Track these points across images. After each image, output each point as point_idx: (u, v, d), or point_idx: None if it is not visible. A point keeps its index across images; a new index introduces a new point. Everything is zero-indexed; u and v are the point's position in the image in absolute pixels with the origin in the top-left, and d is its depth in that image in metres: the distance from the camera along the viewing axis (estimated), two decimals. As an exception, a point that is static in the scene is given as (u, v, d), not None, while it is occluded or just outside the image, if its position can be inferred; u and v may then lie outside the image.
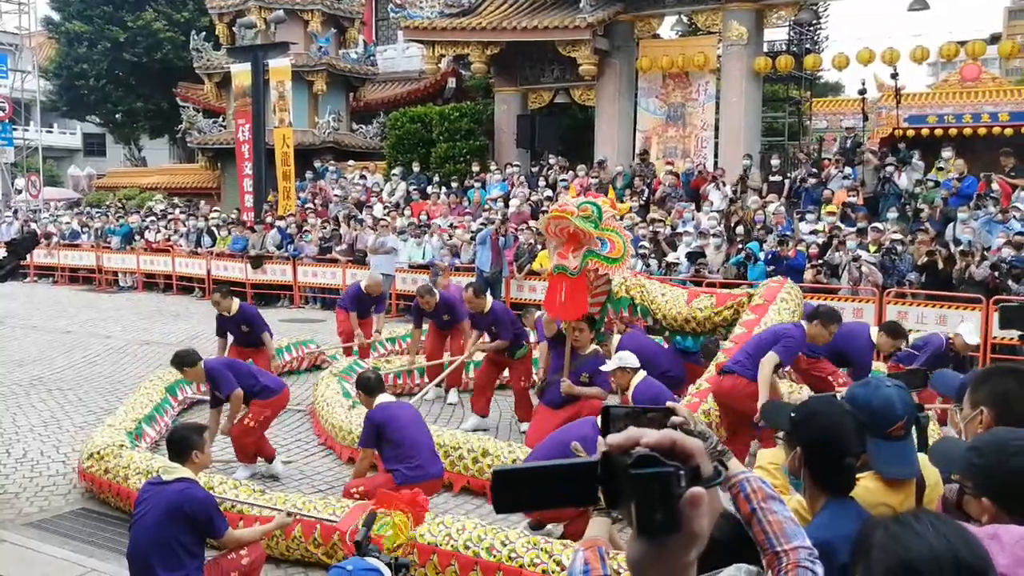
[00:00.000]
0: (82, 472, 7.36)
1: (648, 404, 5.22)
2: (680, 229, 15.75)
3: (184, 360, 7.56)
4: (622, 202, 16.91)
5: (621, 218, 10.20)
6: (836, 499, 2.72)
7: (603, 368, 7.74)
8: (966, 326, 9.25)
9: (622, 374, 7.42)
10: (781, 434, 3.13)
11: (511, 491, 1.05)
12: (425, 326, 11.14)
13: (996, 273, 12.09)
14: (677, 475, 1.00)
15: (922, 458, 3.16)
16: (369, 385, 6.86)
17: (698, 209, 16.93)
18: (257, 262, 19.18)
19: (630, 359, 7.49)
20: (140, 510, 4.94)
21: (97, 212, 26.27)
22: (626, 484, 1.00)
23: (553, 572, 5.21)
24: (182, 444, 5.15)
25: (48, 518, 6.88)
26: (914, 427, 3.81)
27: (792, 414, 2.80)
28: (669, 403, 2.40)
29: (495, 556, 5.41)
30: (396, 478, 6.49)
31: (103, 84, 35.66)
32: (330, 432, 8.64)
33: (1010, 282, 11.95)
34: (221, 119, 28.40)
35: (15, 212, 27.61)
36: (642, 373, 7.46)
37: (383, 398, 6.79)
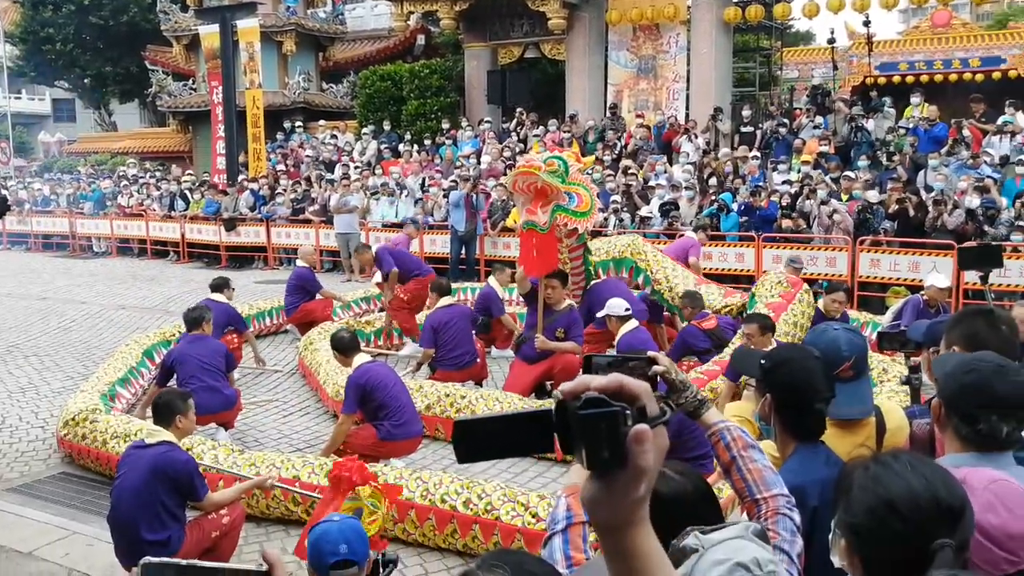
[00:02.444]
0: (60, 439, 7.37)
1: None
2: (653, 182, 15.76)
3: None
4: (596, 156, 16.92)
5: (587, 171, 10.23)
6: (806, 444, 2.77)
7: (598, 315, 7.78)
8: (934, 275, 9.42)
9: (611, 321, 7.47)
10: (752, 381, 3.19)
11: (471, 441, 1.10)
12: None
13: (970, 221, 12.19)
14: (623, 414, 1.05)
15: (886, 403, 3.23)
16: (344, 344, 6.88)
17: (670, 162, 16.95)
18: (230, 225, 19.06)
19: (618, 306, 7.53)
20: (122, 472, 4.96)
21: (69, 178, 25.94)
22: (575, 425, 1.05)
23: (529, 524, 5.29)
24: (166, 409, 5.17)
25: (29, 483, 6.89)
26: (908, 388, 3.85)
27: (762, 361, 2.85)
28: (651, 352, 2.44)
29: (472, 509, 5.49)
30: (379, 432, 6.56)
31: (70, 48, 34.93)
32: (334, 395, 8.27)
33: (986, 227, 12.06)
34: (191, 82, 27.96)
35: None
36: (633, 322, 7.51)
37: (360, 358, 6.82)
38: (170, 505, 4.87)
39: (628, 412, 1.06)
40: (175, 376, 7.65)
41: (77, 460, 7.20)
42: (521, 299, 9.61)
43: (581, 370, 2.34)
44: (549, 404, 1.13)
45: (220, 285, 9.74)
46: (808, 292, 9.37)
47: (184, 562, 1.28)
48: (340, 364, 7.15)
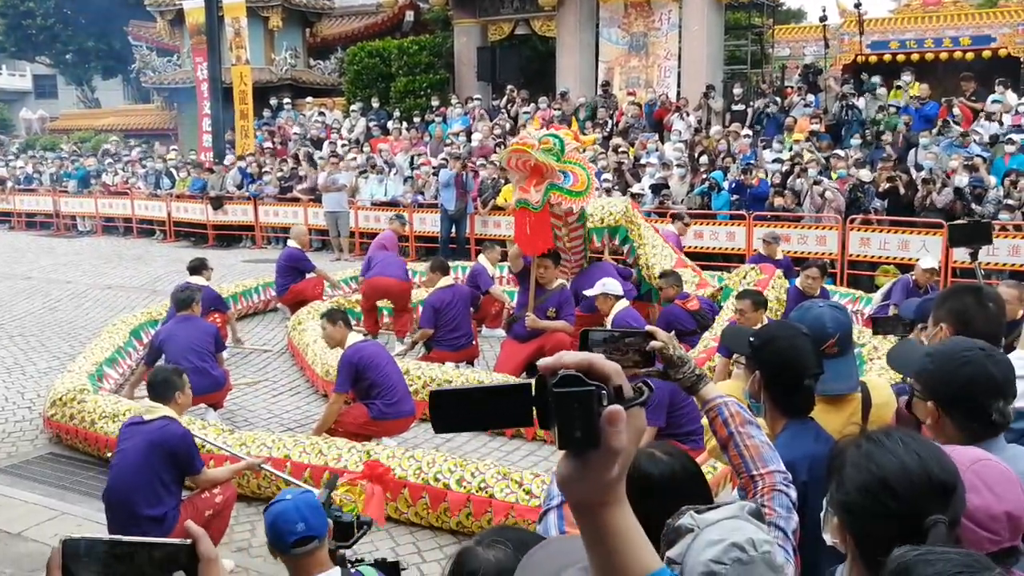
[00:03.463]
0: (47, 420, 7.33)
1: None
2: (644, 160, 15.72)
3: None
4: (585, 133, 16.85)
5: (585, 150, 10.16)
6: (796, 420, 2.78)
7: (588, 293, 7.75)
8: (924, 257, 9.49)
9: (604, 300, 7.45)
10: (742, 359, 3.18)
11: (448, 411, 1.09)
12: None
13: (959, 200, 12.20)
14: (598, 394, 1.04)
15: (872, 379, 3.23)
16: (335, 316, 6.86)
17: (662, 140, 16.90)
18: (217, 203, 18.93)
19: (614, 286, 7.50)
20: (121, 448, 4.97)
21: (52, 156, 25.69)
22: (550, 402, 1.03)
23: (523, 502, 5.29)
24: (164, 385, 5.17)
25: (16, 463, 6.87)
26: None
27: (751, 339, 2.84)
28: (648, 327, 2.42)
29: (465, 488, 5.48)
30: (371, 411, 6.54)
31: (52, 23, 34.60)
32: (323, 375, 8.25)
33: (973, 205, 12.09)
34: (175, 58, 27.70)
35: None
36: (624, 302, 7.49)
37: (353, 337, 6.80)
38: (167, 480, 4.89)
39: (604, 392, 1.04)
40: (163, 356, 7.60)
41: (65, 440, 7.17)
42: (511, 278, 9.59)
43: (579, 345, 2.32)
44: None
45: (198, 267, 9.62)
46: (780, 278, 9.46)
47: (109, 537, 1.27)
48: (333, 337, 7.06)
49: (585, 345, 2.32)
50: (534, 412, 1.07)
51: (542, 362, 1.08)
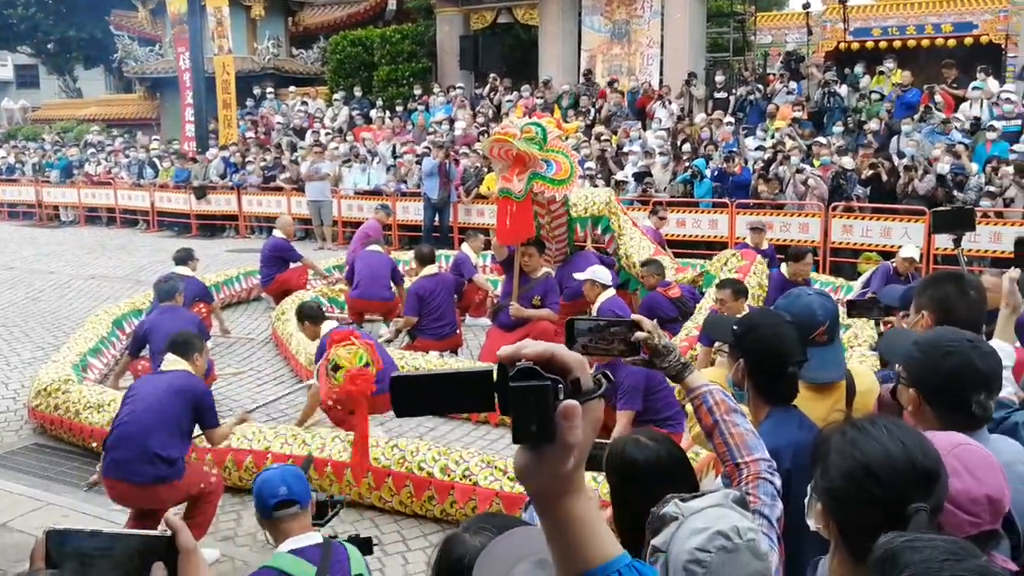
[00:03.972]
0: (31, 410, 7.29)
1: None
2: (627, 148, 15.73)
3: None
4: (568, 121, 16.82)
5: (567, 138, 10.15)
6: (779, 408, 2.79)
7: (578, 276, 7.73)
8: (906, 247, 9.55)
9: (591, 288, 7.45)
10: (725, 347, 3.20)
11: (410, 396, 1.09)
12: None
13: (941, 187, 12.27)
14: (554, 388, 1.03)
15: (855, 366, 3.25)
16: (314, 313, 6.88)
17: (644, 128, 16.91)
18: (201, 192, 18.83)
19: (602, 274, 7.50)
20: (136, 393, 5.04)
21: (34, 146, 25.47)
22: (508, 394, 1.04)
23: (508, 489, 5.31)
24: (186, 345, 5.29)
25: (1, 454, 6.83)
26: (877, 354, 3.90)
27: (734, 327, 2.86)
28: (634, 316, 2.43)
29: (449, 476, 5.50)
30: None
31: (33, 12, 34.20)
32: (306, 365, 8.21)
33: (955, 192, 12.16)
34: (158, 47, 27.49)
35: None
36: (610, 291, 7.50)
37: (328, 324, 6.80)
38: (184, 428, 4.99)
39: (560, 385, 1.04)
40: (147, 346, 7.57)
41: (49, 431, 7.14)
42: (495, 267, 9.57)
43: (565, 334, 2.33)
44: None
45: (184, 258, 9.56)
46: (762, 263, 9.48)
47: (90, 528, 1.29)
48: (308, 336, 7.13)
49: (571, 334, 2.33)
50: (495, 398, 1.07)
51: (502, 351, 1.07)
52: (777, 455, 2.52)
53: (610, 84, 18.82)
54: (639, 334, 2.34)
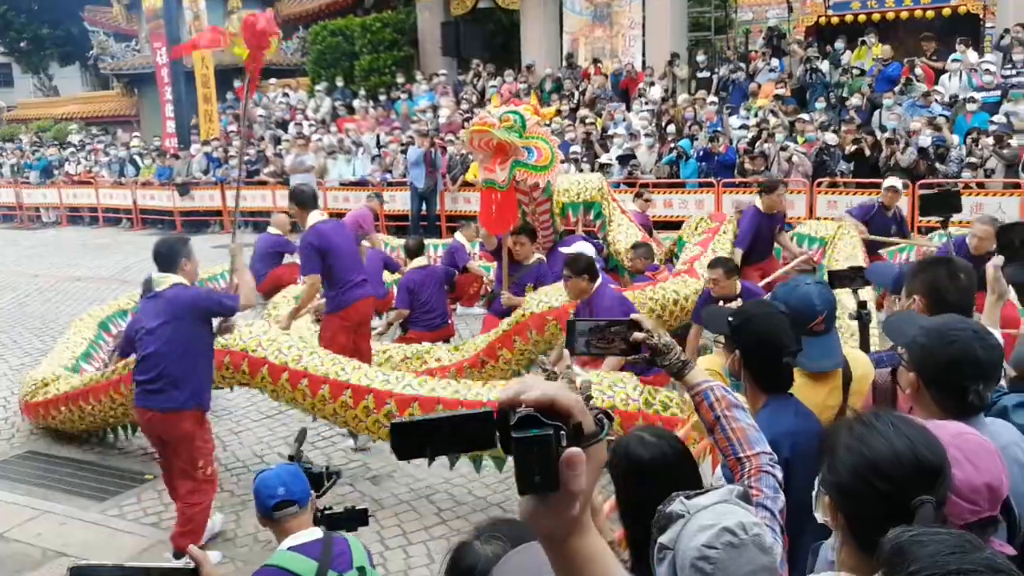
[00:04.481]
0: (25, 405, 7.21)
1: (605, 315, 5.33)
2: (612, 131, 15.71)
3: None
4: (547, 106, 16.77)
5: (548, 123, 10.14)
6: (776, 397, 2.82)
7: (565, 250, 7.69)
8: (891, 179, 9.67)
9: (580, 283, 7.42)
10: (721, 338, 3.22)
11: (410, 441, 1.09)
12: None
13: (923, 159, 12.32)
14: (557, 436, 1.03)
15: (851, 352, 3.27)
16: (304, 197, 7.02)
17: (628, 109, 16.89)
18: (184, 189, 18.73)
19: (587, 249, 7.46)
20: (141, 326, 5.08)
21: (11, 147, 25.27)
22: (509, 444, 1.03)
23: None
24: (170, 253, 5.18)
25: (-6, 464, 6.81)
26: (857, 323, 3.93)
27: (730, 319, 2.88)
28: (634, 315, 2.43)
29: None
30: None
31: (4, 10, 33.85)
32: None
33: (936, 164, 12.21)
34: (134, 43, 27.28)
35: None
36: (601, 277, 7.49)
37: (315, 216, 6.94)
38: (200, 339, 5.03)
39: (563, 432, 1.04)
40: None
41: (45, 417, 7.02)
42: (483, 255, 9.56)
43: (565, 334, 2.33)
44: (490, 406, 1.11)
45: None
46: (731, 222, 9.51)
47: (111, 564, 1.29)
48: (298, 219, 7.17)
49: (572, 334, 2.33)
50: (495, 438, 1.07)
51: (502, 395, 1.07)
52: (775, 444, 2.54)
53: (594, 63, 18.77)
54: (638, 334, 2.35)
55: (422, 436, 1.09)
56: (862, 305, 4.18)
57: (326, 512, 3.54)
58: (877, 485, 1.74)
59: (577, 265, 6.36)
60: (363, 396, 5.54)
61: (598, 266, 7.60)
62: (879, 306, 7.73)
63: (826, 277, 4.76)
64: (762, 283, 8.07)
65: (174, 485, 5.22)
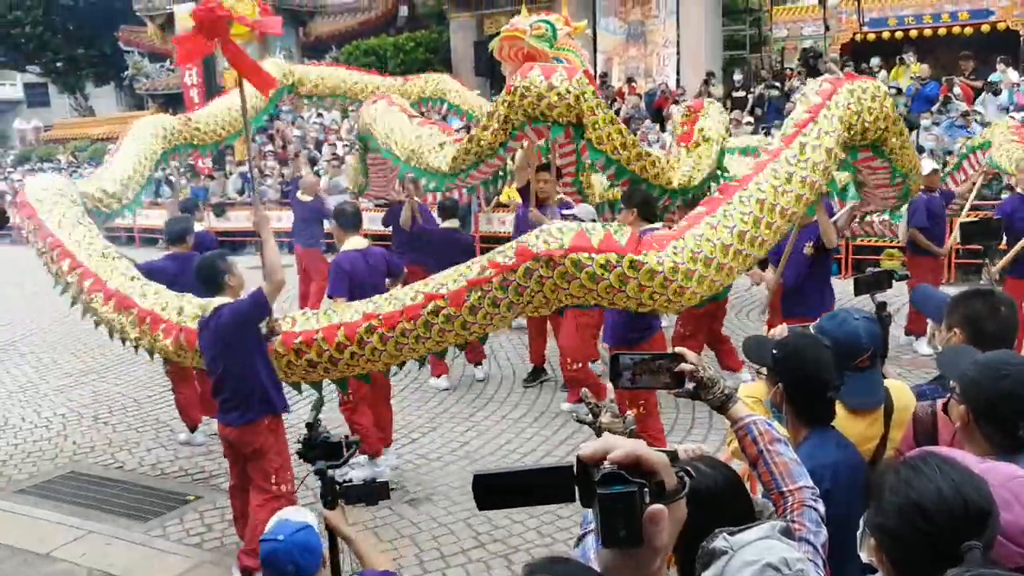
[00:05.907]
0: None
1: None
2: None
3: None
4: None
5: (576, 37, 9.81)
6: (817, 429, 2.82)
7: (565, 212, 7.60)
8: (923, 163, 9.45)
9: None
10: (763, 370, 3.21)
11: (491, 494, 1.13)
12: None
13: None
14: (641, 492, 1.07)
15: (893, 383, 3.25)
16: (343, 219, 7.10)
17: (662, 129, 16.88)
18: (219, 210, 18.91)
19: (587, 212, 7.34)
20: (205, 355, 5.16)
21: (49, 167, 25.65)
22: (594, 499, 1.07)
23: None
24: (211, 272, 5.21)
25: (39, 483, 6.90)
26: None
27: (773, 351, 2.88)
28: (678, 349, 2.43)
29: None
30: None
31: (40, 31, 34.37)
32: None
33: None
34: (168, 63, 27.67)
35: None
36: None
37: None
38: (250, 356, 5.00)
39: (646, 489, 1.08)
40: None
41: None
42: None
43: (608, 368, 2.34)
44: (570, 460, 1.15)
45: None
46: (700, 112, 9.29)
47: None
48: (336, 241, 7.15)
49: (615, 368, 2.35)
50: (575, 491, 1.10)
51: (585, 450, 1.11)
52: (816, 476, 2.54)
53: (628, 82, 18.73)
54: (684, 366, 2.36)
55: (502, 489, 1.13)
56: (881, 307, 4.14)
57: (345, 484, 3.53)
58: (923, 528, 1.74)
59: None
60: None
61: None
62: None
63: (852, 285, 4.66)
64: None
65: (244, 502, 5.27)
